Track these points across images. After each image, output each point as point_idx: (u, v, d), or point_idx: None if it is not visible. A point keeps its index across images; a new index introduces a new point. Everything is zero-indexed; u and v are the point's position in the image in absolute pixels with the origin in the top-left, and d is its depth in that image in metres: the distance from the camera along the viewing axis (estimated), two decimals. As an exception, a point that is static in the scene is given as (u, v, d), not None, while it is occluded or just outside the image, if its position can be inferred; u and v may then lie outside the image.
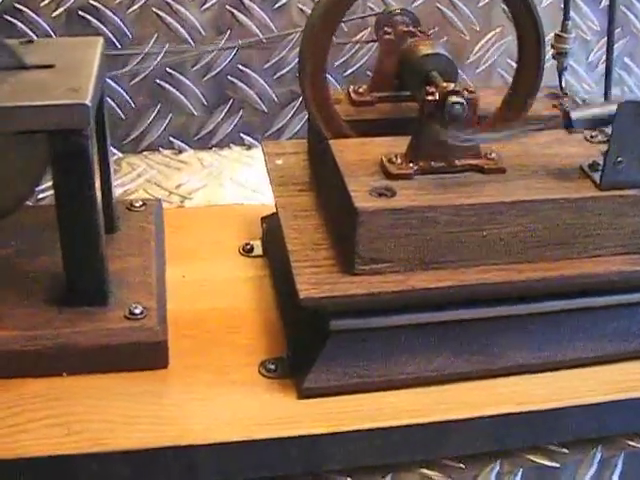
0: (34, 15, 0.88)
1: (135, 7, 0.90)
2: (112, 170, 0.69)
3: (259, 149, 0.94)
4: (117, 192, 0.87)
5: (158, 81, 0.92)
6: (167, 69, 0.92)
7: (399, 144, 0.62)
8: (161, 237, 0.73)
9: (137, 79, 0.92)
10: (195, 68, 0.93)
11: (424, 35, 0.68)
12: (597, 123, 0.60)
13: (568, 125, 0.59)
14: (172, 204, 0.86)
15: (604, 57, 0.99)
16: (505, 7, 0.65)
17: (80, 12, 0.89)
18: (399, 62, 0.65)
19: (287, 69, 0.94)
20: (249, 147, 0.96)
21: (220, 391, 0.61)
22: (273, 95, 0.95)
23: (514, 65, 0.68)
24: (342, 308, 0.60)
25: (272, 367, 0.63)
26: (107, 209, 0.69)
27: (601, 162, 0.60)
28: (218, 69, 0.93)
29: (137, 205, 0.74)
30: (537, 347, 0.64)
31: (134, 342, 0.62)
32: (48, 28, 0.88)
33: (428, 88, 0.59)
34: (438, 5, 0.96)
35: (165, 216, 0.77)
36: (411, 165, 0.60)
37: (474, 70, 0.99)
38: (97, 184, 0.60)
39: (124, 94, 0.92)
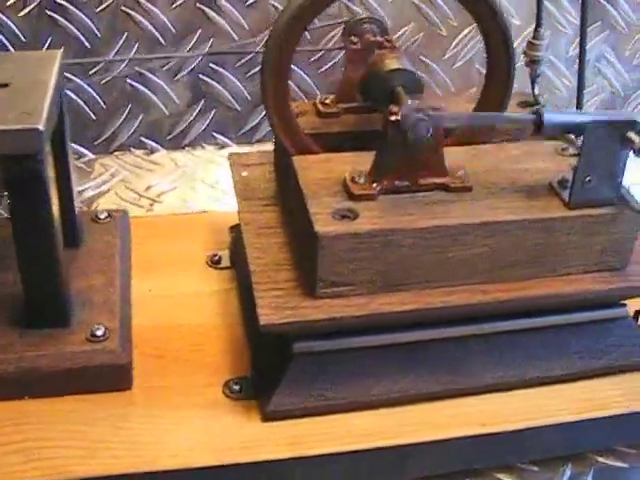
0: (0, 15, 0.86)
1: (104, 6, 0.88)
2: (74, 183, 0.68)
3: (232, 148, 0.94)
4: (88, 194, 0.86)
5: (129, 81, 0.91)
6: (137, 68, 0.90)
7: (364, 160, 0.60)
8: (127, 250, 0.72)
9: (107, 79, 0.90)
10: (166, 67, 0.91)
11: (391, 45, 0.66)
12: (569, 130, 0.58)
13: (538, 129, 0.58)
14: (142, 207, 0.85)
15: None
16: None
17: (48, 11, 0.87)
18: (364, 76, 0.63)
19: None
20: (222, 146, 0.95)
21: (184, 414, 0.61)
22: (246, 93, 0.94)
23: None
24: (305, 331, 0.59)
25: (236, 388, 0.62)
26: (70, 223, 0.68)
27: (570, 178, 0.59)
28: (190, 68, 0.92)
29: (102, 217, 0.73)
30: (505, 365, 0.63)
31: (96, 365, 0.61)
32: (15, 28, 0.86)
33: (392, 107, 0.57)
34: (414, 1, 0.94)
35: (132, 225, 0.76)
36: (374, 185, 0.59)
37: (451, 66, 0.97)
38: (56, 201, 0.59)
39: (94, 94, 0.90)
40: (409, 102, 0.59)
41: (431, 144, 0.58)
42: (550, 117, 0.57)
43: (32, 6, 0.86)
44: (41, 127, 0.54)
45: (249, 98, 0.94)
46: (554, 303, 0.62)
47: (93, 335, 0.62)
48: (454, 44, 0.97)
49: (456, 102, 0.71)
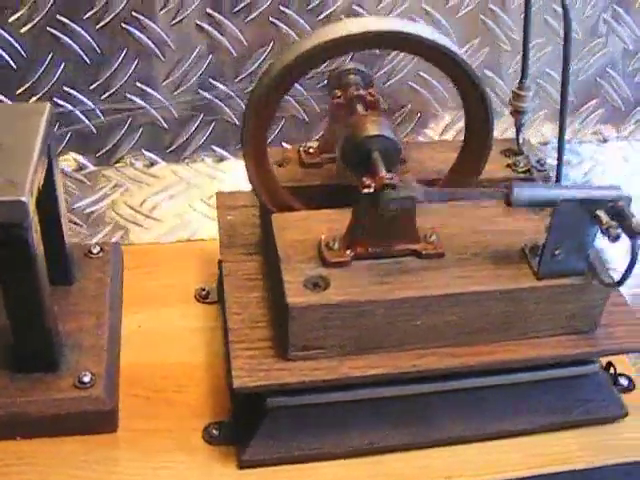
0: (1, 31, 0.87)
1: (104, 22, 0.89)
2: (64, 222, 0.70)
3: (231, 161, 0.96)
4: (86, 210, 0.89)
5: (128, 95, 0.92)
6: (137, 83, 0.92)
7: (342, 217, 0.62)
8: (118, 285, 0.75)
9: (107, 93, 0.92)
10: (166, 82, 0.92)
11: (374, 99, 0.67)
12: (538, 205, 0.59)
13: (508, 204, 0.59)
14: (140, 226, 0.87)
15: (585, 67, 0.98)
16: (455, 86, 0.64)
17: (48, 28, 0.88)
18: (342, 140, 0.64)
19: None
20: (221, 159, 0.97)
21: (165, 458, 0.64)
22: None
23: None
24: (277, 390, 0.62)
25: (215, 433, 0.66)
26: (61, 261, 0.71)
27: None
28: (190, 82, 0.93)
29: (95, 252, 0.75)
30: (471, 420, 0.66)
31: (83, 411, 0.64)
32: (16, 44, 0.88)
33: (365, 180, 0.59)
34: (414, 16, 0.94)
35: (126, 254, 0.78)
36: (348, 252, 0.61)
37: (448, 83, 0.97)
38: (42, 248, 0.61)
39: (94, 107, 0.92)
40: (383, 174, 0.60)
41: (403, 215, 0.60)
42: (519, 193, 0.58)
43: (34, 22, 0.88)
44: (24, 199, 0.57)
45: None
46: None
47: (80, 382, 0.65)
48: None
49: (441, 151, 0.72)
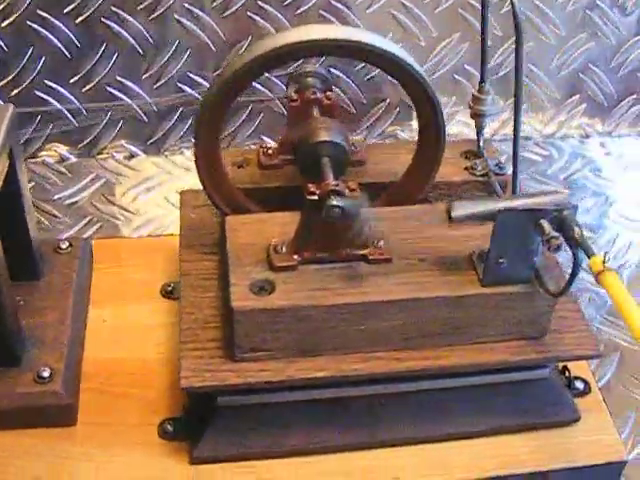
0: (-17, 26, 0.89)
1: (83, 17, 0.90)
2: (30, 219, 0.71)
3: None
4: (67, 201, 0.90)
5: (109, 89, 0.93)
6: (117, 77, 0.93)
7: (295, 221, 0.63)
8: (85, 281, 0.76)
9: (88, 86, 0.93)
10: (145, 76, 0.94)
11: (332, 102, 0.68)
12: (479, 219, 0.60)
13: (450, 220, 0.60)
14: (118, 219, 0.89)
15: (567, 62, 0.98)
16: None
17: (29, 22, 0.89)
18: (295, 144, 0.65)
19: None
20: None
21: (121, 453, 0.65)
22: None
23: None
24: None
25: (170, 429, 0.67)
26: (27, 257, 0.72)
27: (491, 251, 0.61)
28: (169, 76, 0.94)
29: (64, 247, 0.76)
30: (421, 421, 0.66)
31: (41, 405, 0.66)
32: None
33: (310, 186, 0.60)
34: (392, 11, 0.94)
35: (96, 249, 0.80)
36: (295, 257, 0.62)
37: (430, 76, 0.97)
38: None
39: (75, 100, 0.93)
40: (329, 180, 0.61)
41: (350, 220, 0.61)
42: (459, 208, 0.59)
43: (14, 17, 0.89)
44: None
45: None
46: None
47: (39, 376, 0.66)
48: (433, 55, 0.97)
49: (402, 153, 0.72)
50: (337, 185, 0.60)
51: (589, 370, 0.72)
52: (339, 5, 0.93)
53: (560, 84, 1.01)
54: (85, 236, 0.88)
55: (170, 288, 0.77)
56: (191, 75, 0.94)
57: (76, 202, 0.91)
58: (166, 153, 0.97)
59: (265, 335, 0.61)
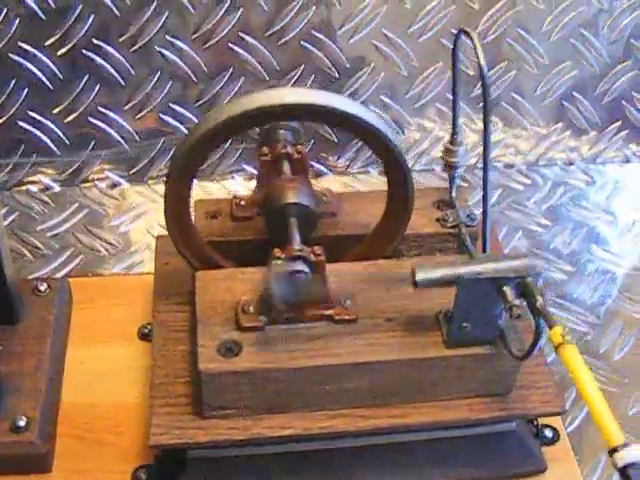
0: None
1: (65, 49, 0.90)
2: (7, 263, 0.72)
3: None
4: (50, 233, 0.91)
5: (92, 119, 0.94)
6: (99, 108, 0.94)
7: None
8: (62, 325, 0.77)
9: (71, 116, 0.94)
10: (127, 107, 0.94)
11: (301, 157, 0.68)
12: (442, 284, 0.61)
13: (414, 284, 0.61)
14: (99, 252, 0.90)
15: (552, 90, 0.98)
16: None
17: (11, 54, 0.90)
18: (262, 203, 0.66)
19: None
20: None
21: (93, 503, 0.67)
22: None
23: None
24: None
25: (143, 477, 0.68)
26: (4, 302, 0.73)
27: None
28: (152, 106, 0.94)
29: (42, 289, 0.77)
30: (389, 474, 0.68)
31: (17, 455, 0.67)
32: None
33: (275, 251, 0.60)
34: (374, 41, 0.94)
35: (75, 288, 0.81)
36: (262, 318, 0.63)
37: (412, 106, 0.98)
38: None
39: (58, 131, 0.94)
40: (295, 245, 0.62)
41: (314, 283, 0.61)
42: (422, 273, 0.60)
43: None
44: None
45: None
46: (433, 424, 0.66)
47: (16, 426, 0.67)
48: (416, 84, 0.98)
49: (374, 202, 0.72)
50: (302, 250, 0.60)
51: (559, 417, 0.73)
52: (321, 36, 0.93)
53: (544, 112, 1.01)
54: (67, 269, 0.89)
55: (147, 330, 0.78)
56: (173, 106, 0.95)
57: (58, 234, 0.92)
58: (149, 182, 0.98)
59: (232, 395, 0.62)
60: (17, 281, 0.75)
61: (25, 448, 0.67)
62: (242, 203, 0.71)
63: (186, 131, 0.96)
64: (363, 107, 0.62)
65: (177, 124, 0.96)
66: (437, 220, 0.72)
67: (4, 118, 0.92)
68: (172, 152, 0.63)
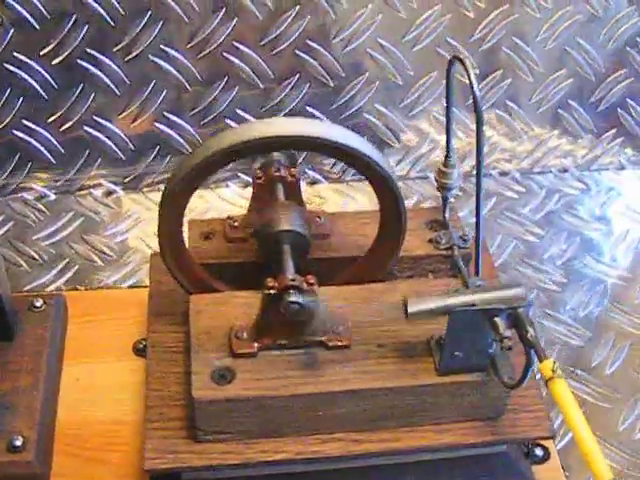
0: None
1: (60, 58, 0.90)
2: (2, 280, 0.72)
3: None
4: (45, 242, 0.91)
5: (86, 128, 0.94)
6: (94, 117, 0.94)
7: (258, 301, 0.64)
8: (58, 342, 0.77)
9: (66, 125, 0.94)
10: (123, 115, 0.94)
11: (294, 180, 0.69)
12: (435, 315, 0.61)
13: (405, 314, 0.61)
14: (94, 263, 0.91)
15: (547, 98, 0.98)
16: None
17: (5, 64, 0.90)
18: (256, 230, 0.66)
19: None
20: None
21: (90, 523, 0.68)
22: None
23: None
24: (189, 469, 0.65)
25: (139, 497, 0.69)
26: (1, 318, 0.73)
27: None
28: (146, 115, 0.95)
29: (38, 306, 0.78)
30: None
31: (14, 474, 0.68)
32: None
33: (268, 281, 0.61)
34: (369, 50, 0.94)
35: (71, 302, 0.81)
36: (255, 344, 0.63)
37: (408, 113, 0.98)
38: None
39: (53, 140, 0.94)
40: (288, 274, 0.62)
41: (308, 315, 0.62)
42: (415, 305, 0.60)
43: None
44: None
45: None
46: (426, 447, 0.66)
47: (12, 446, 0.68)
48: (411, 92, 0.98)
49: (367, 222, 0.73)
50: (295, 280, 0.61)
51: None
52: (315, 45, 0.93)
53: (539, 119, 1.01)
54: (63, 280, 0.89)
55: (142, 346, 0.78)
56: (167, 114, 0.95)
57: (54, 243, 0.92)
58: (144, 190, 0.98)
59: (226, 420, 0.62)
60: (12, 298, 0.76)
61: (22, 468, 0.68)
62: (235, 224, 0.72)
63: (180, 139, 0.96)
64: (353, 135, 0.62)
65: (172, 132, 0.96)
66: (430, 241, 0.72)
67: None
68: (166, 185, 0.63)
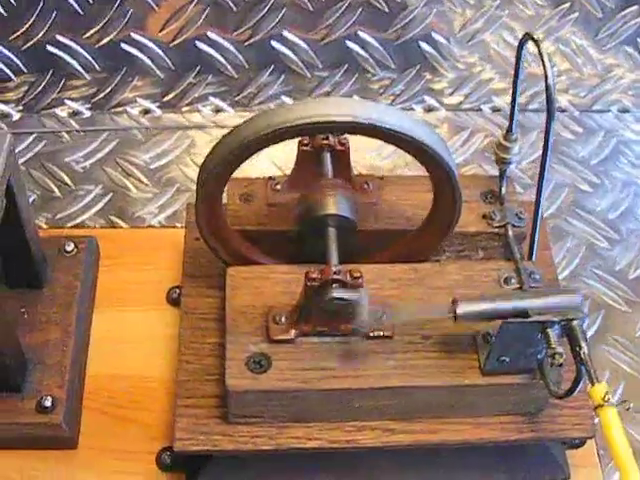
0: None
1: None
2: (30, 223, 0.69)
3: (229, 114, 0.93)
4: (78, 166, 0.88)
5: (123, 45, 0.89)
6: (132, 33, 0.88)
7: (300, 277, 0.61)
8: (89, 289, 0.75)
9: (103, 41, 0.89)
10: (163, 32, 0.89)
11: (344, 149, 0.64)
12: (484, 318, 0.58)
13: (454, 319, 0.58)
14: (129, 191, 0.87)
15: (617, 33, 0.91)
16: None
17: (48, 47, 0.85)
18: (299, 211, 0.62)
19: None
20: (218, 110, 0.93)
21: (121, 483, 0.67)
22: (243, 61, 0.91)
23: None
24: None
25: (168, 461, 0.68)
26: (28, 265, 0.70)
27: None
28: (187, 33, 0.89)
29: (69, 249, 0.75)
30: (412, 473, 0.67)
31: (42, 436, 0.67)
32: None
33: (310, 273, 0.57)
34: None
35: (101, 240, 0.78)
36: (293, 331, 0.60)
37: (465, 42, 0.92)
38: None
39: (88, 56, 0.89)
40: (332, 266, 0.58)
41: (352, 305, 0.59)
42: (464, 307, 0.57)
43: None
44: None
45: (246, 66, 0.92)
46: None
47: (41, 406, 0.66)
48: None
49: (416, 191, 0.68)
50: (339, 273, 0.57)
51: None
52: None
53: (604, 55, 0.94)
54: (96, 209, 0.86)
55: (176, 295, 0.76)
56: (209, 34, 0.89)
57: (87, 167, 0.88)
58: (183, 110, 0.93)
59: (259, 407, 0.61)
60: (41, 241, 0.73)
61: (51, 430, 0.67)
62: (277, 187, 0.68)
63: (221, 59, 0.91)
64: (419, 123, 0.57)
65: (213, 52, 0.90)
66: (484, 217, 0.68)
67: (34, 40, 0.87)
68: (205, 163, 0.59)
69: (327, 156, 0.64)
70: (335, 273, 0.57)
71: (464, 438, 0.63)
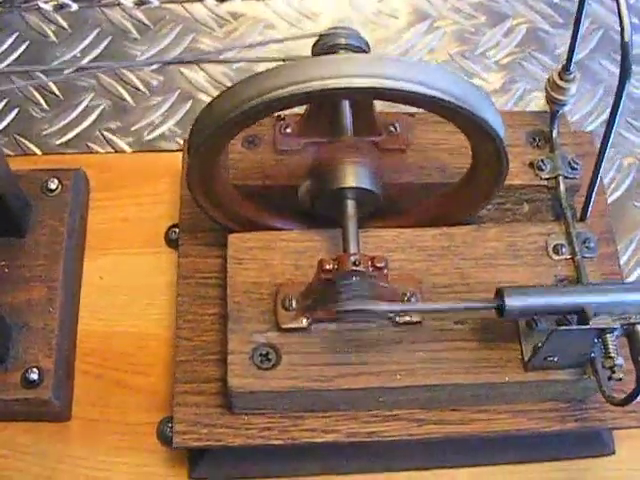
0: None
1: None
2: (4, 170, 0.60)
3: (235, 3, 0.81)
4: (66, 72, 0.77)
5: None
6: None
7: (313, 245, 0.53)
8: (77, 234, 0.66)
9: None
10: None
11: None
12: (533, 313, 0.49)
13: (500, 314, 0.49)
14: (127, 102, 0.76)
15: None
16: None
17: None
18: (312, 183, 0.52)
19: None
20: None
21: (116, 459, 0.61)
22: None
23: None
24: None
25: (169, 434, 0.61)
26: (8, 211, 0.61)
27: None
28: None
29: (53, 188, 0.65)
30: (442, 450, 0.60)
31: (31, 411, 0.60)
32: None
33: (324, 263, 0.48)
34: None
35: (89, 171, 0.68)
36: (305, 320, 0.52)
37: None
38: None
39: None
40: (350, 253, 0.49)
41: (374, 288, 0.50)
42: (512, 303, 0.48)
43: None
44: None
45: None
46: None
47: (27, 380, 0.59)
48: None
49: (451, 132, 0.57)
50: (359, 263, 0.48)
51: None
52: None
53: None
54: (92, 119, 0.75)
55: (176, 235, 0.66)
56: None
57: (76, 71, 0.77)
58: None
59: (265, 404, 0.53)
60: (19, 180, 0.63)
61: (39, 405, 0.60)
62: (287, 130, 0.57)
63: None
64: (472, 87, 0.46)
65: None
66: (530, 165, 0.57)
67: None
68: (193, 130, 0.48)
69: (347, 104, 0.53)
70: (354, 264, 0.48)
71: (500, 429, 0.55)
